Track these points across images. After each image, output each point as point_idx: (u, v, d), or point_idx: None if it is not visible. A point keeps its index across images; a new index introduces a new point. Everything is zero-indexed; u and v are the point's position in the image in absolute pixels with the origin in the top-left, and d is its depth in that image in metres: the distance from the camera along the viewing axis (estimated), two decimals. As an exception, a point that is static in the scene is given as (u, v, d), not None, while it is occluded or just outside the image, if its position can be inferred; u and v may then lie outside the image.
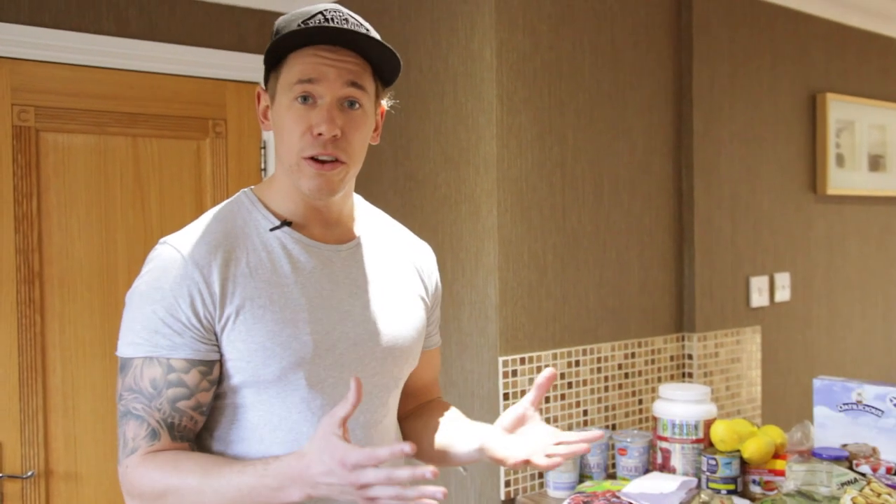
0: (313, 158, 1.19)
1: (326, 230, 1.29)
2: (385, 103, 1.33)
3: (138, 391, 1.15)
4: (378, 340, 1.28)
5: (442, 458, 1.33)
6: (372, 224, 1.38)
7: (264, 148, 2.76)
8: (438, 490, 0.99)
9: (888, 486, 1.82)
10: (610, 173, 2.37)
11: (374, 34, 1.24)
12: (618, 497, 1.91)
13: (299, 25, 1.19)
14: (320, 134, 1.18)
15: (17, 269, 2.32)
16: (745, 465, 2.03)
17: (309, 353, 1.20)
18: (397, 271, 1.36)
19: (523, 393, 2.16)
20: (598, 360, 2.34)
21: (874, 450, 2.02)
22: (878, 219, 3.27)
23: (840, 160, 3.06)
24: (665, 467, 2.09)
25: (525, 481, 2.17)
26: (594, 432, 1.15)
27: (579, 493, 1.99)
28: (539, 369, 2.19)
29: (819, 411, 2.13)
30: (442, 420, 1.37)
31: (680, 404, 2.09)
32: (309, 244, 1.26)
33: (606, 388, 2.36)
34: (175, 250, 1.19)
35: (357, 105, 1.22)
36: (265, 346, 1.17)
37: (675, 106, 2.54)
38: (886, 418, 2.03)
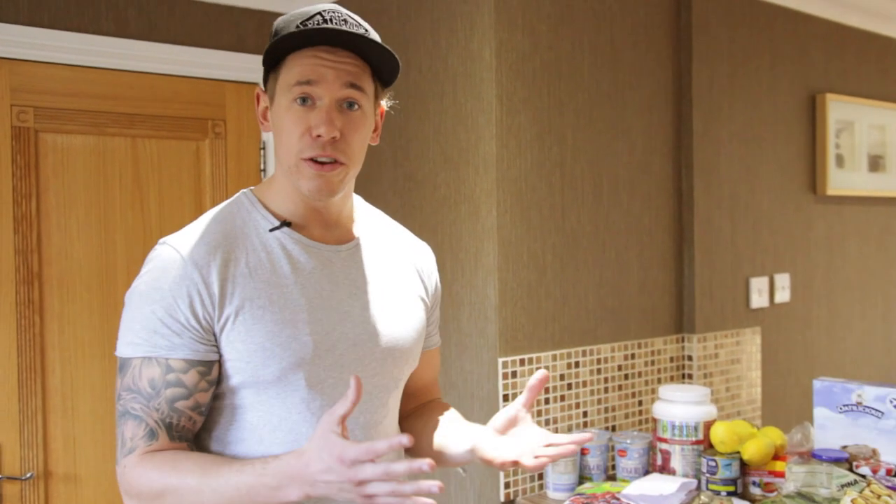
0: (312, 160, 1.19)
1: (326, 231, 1.29)
2: (384, 104, 1.32)
3: (136, 391, 1.15)
4: (378, 341, 1.28)
5: (438, 459, 1.33)
6: (371, 225, 1.38)
7: (263, 149, 2.76)
8: (434, 484, 0.99)
9: (888, 487, 1.82)
10: (609, 173, 2.37)
11: (374, 35, 1.24)
12: (617, 499, 1.91)
13: (298, 27, 1.19)
14: (319, 135, 1.18)
15: (17, 270, 2.32)
16: (744, 466, 2.02)
17: (308, 354, 1.20)
18: (397, 272, 1.36)
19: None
20: (598, 361, 2.34)
21: (874, 451, 2.02)
22: (877, 219, 3.27)
23: (840, 161, 3.05)
24: (665, 469, 2.09)
25: (525, 483, 2.17)
26: (583, 434, 1.15)
27: (579, 494, 1.98)
28: (539, 370, 2.19)
29: (819, 413, 2.13)
30: (440, 420, 1.37)
31: (680, 406, 2.09)
32: (308, 244, 1.25)
33: (606, 390, 2.36)
34: (174, 251, 1.19)
35: (356, 106, 1.21)
36: (265, 347, 1.17)
37: (674, 106, 2.54)
38: (886, 420, 2.03)
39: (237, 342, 1.17)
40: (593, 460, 2.15)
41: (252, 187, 1.31)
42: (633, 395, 2.43)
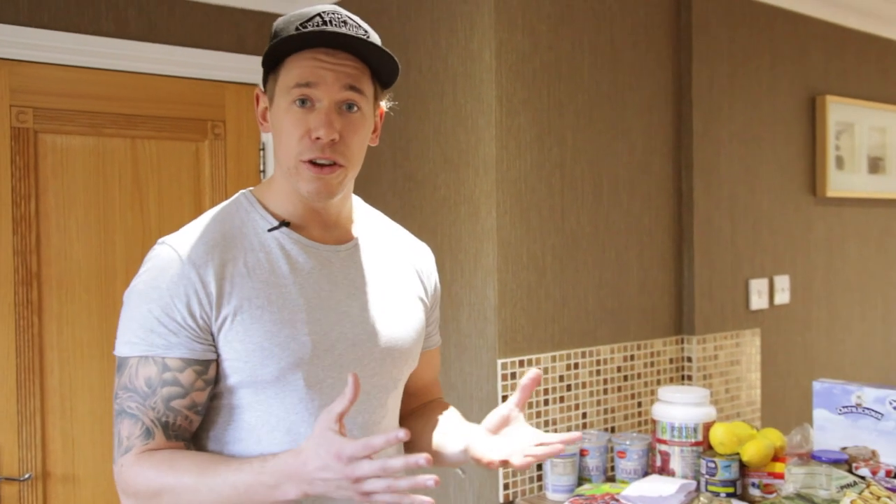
0: (311, 162, 1.19)
1: (325, 231, 1.29)
2: (384, 105, 1.32)
3: (133, 390, 1.15)
4: (377, 341, 1.28)
5: (437, 459, 1.33)
6: (371, 225, 1.38)
7: (263, 149, 2.76)
8: (430, 478, 0.99)
9: (888, 489, 1.81)
10: (609, 174, 2.36)
11: (374, 36, 1.24)
12: (617, 500, 1.91)
13: (297, 28, 1.19)
14: (318, 138, 1.18)
15: (15, 271, 2.31)
16: (744, 467, 2.02)
17: (307, 354, 1.19)
18: (396, 272, 1.36)
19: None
20: (598, 362, 2.34)
21: (874, 453, 2.02)
22: (877, 221, 3.27)
23: (840, 162, 3.05)
24: (664, 470, 2.09)
25: (524, 484, 2.17)
26: (573, 434, 1.15)
27: (578, 495, 1.98)
28: (538, 371, 2.19)
29: (818, 414, 2.13)
30: (439, 419, 1.37)
31: (679, 407, 2.08)
32: (307, 245, 1.25)
33: (605, 391, 2.36)
34: (172, 250, 1.19)
35: (355, 108, 1.21)
36: (263, 347, 1.17)
37: (674, 106, 2.54)
38: (886, 421, 2.02)
39: (235, 342, 1.17)
40: (592, 461, 2.15)
41: (251, 188, 1.31)
42: (633, 396, 2.43)
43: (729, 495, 1.98)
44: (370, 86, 1.24)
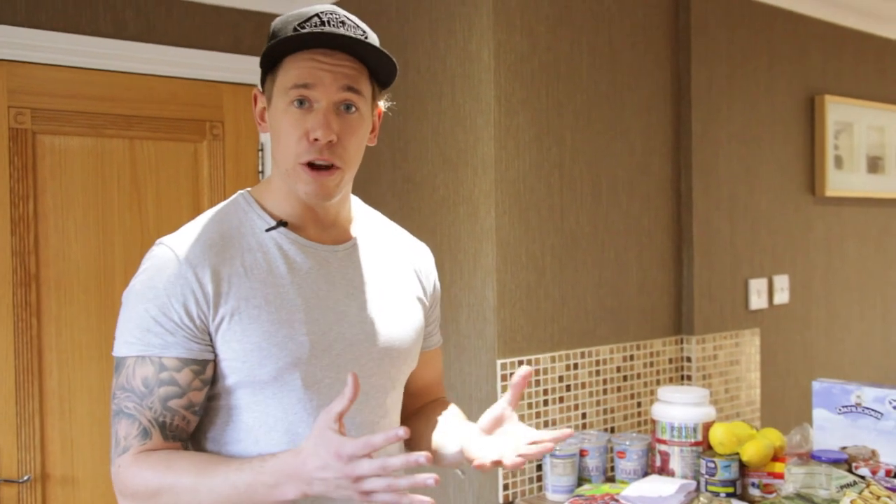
0: (309, 164, 1.19)
1: (323, 231, 1.29)
2: (382, 105, 1.32)
3: (130, 390, 1.15)
4: (375, 341, 1.27)
5: (436, 459, 1.33)
6: (369, 225, 1.38)
7: (262, 150, 2.75)
8: (430, 476, 0.99)
9: (887, 488, 1.81)
10: (608, 174, 2.36)
11: (372, 36, 1.24)
12: (616, 500, 1.91)
13: (295, 29, 1.18)
14: (316, 139, 1.18)
15: (14, 272, 2.31)
16: (743, 467, 2.02)
17: (305, 354, 1.19)
18: (394, 272, 1.36)
19: (521, 395, 2.15)
20: (597, 362, 2.33)
21: (873, 452, 2.01)
22: (876, 220, 3.27)
23: (838, 162, 3.05)
24: (664, 470, 2.08)
25: (523, 484, 2.17)
26: (565, 431, 1.14)
27: (578, 496, 1.98)
28: (538, 372, 2.19)
29: (818, 414, 2.13)
30: (439, 420, 1.36)
31: (679, 407, 2.08)
32: (305, 245, 1.25)
33: (605, 391, 2.35)
34: (170, 250, 1.19)
35: (353, 109, 1.21)
36: (261, 347, 1.17)
37: (673, 107, 2.53)
38: (886, 421, 2.02)
39: (233, 342, 1.17)
40: (592, 462, 2.15)
41: (249, 188, 1.31)
42: (632, 396, 2.42)
43: (729, 495, 1.98)
44: (368, 86, 1.24)
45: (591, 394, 2.32)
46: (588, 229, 2.32)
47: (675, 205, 2.54)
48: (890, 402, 2.02)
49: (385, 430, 1.30)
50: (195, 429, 1.22)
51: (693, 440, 2.06)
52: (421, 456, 0.99)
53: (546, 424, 2.21)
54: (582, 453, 2.15)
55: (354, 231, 1.34)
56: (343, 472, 1.01)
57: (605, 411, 2.36)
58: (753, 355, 2.71)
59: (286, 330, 1.18)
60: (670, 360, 2.52)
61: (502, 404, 1.21)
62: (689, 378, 2.53)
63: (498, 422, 1.21)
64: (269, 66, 1.23)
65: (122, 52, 2.47)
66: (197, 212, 2.59)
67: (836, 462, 1.93)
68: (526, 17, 2.17)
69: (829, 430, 2.10)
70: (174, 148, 2.59)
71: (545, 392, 2.21)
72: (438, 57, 2.28)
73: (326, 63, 1.19)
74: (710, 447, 2.06)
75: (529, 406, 2.18)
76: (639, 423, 2.44)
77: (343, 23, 1.20)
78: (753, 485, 2.01)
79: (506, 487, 2.13)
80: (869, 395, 2.05)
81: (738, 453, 2.01)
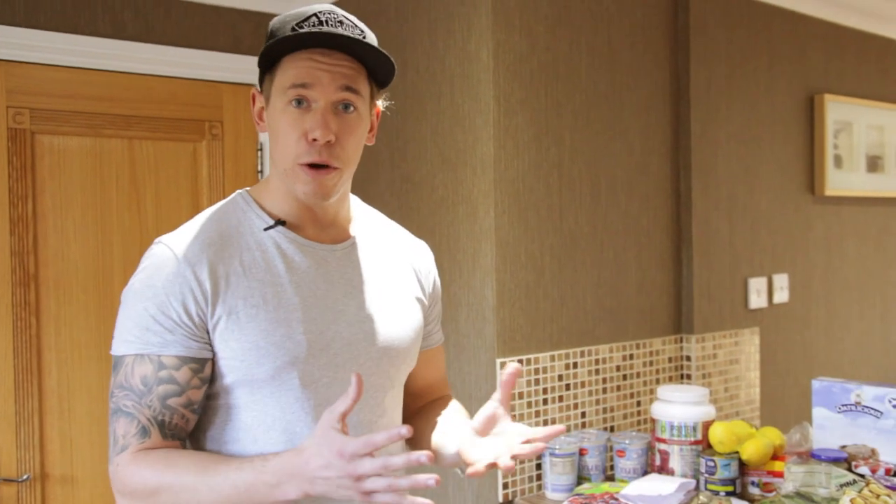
0: (308, 164, 1.19)
1: (321, 231, 1.29)
2: (380, 104, 1.32)
3: (129, 388, 1.15)
4: (373, 340, 1.27)
5: (437, 459, 1.33)
6: (368, 224, 1.38)
7: (261, 150, 2.75)
8: (431, 477, 0.98)
9: (887, 487, 1.81)
10: (607, 174, 2.36)
11: (370, 36, 1.24)
12: (616, 499, 1.91)
13: (293, 29, 1.18)
14: (315, 139, 1.18)
15: (13, 272, 2.31)
16: (743, 466, 2.02)
17: (302, 353, 1.19)
18: (393, 271, 1.36)
19: (521, 395, 2.15)
20: (596, 361, 2.33)
21: (873, 451, 2.01)
22: (876, 220, 3.27)
23: (838, 161, 3.05)
24: (663, 469, 2.08)
25: (523, 483, 2.17)
26: (557, 427, 1.14)
27: (577, 494, 1.98)
28: (537, 371, 2.19)
29: (818, 412, 2.13)
30: (439, 420, 1.36)
31: (678, 406, 2.08)
32: (304, 244, 1.25)
33: (604, 390, 2.35)
34: (168, 249, 1.19)
35: (351, 108, 1.21)
36: (259, 346, 1.17)
37: (672, 107, 2.53)
38: (885, 419, 2.02)
39: (231, 340, 1.17)
40: (592, 461, 2.14)
41: (248, 188, 1.32)
42: (632, 395, 2.42)
43: (728, 494, 1.98)
44: (366, 86, 1.24)
45: (590, 393, 2.32)
46: (587, 229, 2.32)
47: (674, 204, 2.54)
48: (889, 401, 2.02)
49: (383, 429, 1.30)
50: (194, 428, 1.22)
51: (693, 439, 2.06)
52: (423, 455, 0.99)
53: (546, 423, 2.21)
54: (581, 452, 2.15)
55: (353, 230, 1.34)
56: (345, 470, 1.01)
57: (604, 410, 2.36)
58: (753, 354, 2.71)
59: (284, 329, 1.18)
60: (670, 359, 2.52)
61: (494, 403, 1.20)
62: (688, 377, 2.53)
63: (491, 421, 1.20)
64: (268, 66, 1.23)
65: (121, 53, 2.47)
66: (196, 212, 2.58)
67: (835, 461, 1.93)
68: (525, 17, 2.17)
69: (828, 428, 2.10)
70: (173, 148, 2.59)
71: (545, 391, 2.21)
72: (437, 57, 2.28)
73: (324, 63, 1.19)
74: (709, 446, 2.06)
75: (529, 405, 2.18)
76: (638, 422, 2.44)
77: (341, 22, 1.20)
78: (753, 483, 2.01)
79: (505, 486, 2.13)
80: (868, 393, 2.05)
81: (737, 452, 2.01)
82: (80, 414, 2.41)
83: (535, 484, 2.19)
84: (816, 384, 2.14)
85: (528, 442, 1.13)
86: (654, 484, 1.95)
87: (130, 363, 1.15)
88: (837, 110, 3.02)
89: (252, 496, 1.08)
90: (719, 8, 2.61)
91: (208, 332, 1.17)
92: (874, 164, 3.24)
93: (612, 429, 2.37)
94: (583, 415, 2.30)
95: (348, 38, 1.17)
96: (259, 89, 1.27)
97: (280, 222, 1.24)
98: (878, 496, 1.75)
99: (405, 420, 1.41)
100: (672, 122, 2.53)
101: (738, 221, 2.66)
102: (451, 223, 2.24)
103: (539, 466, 2.19)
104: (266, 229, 1.24)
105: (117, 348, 1.17)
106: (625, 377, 2.40)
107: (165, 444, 1.16)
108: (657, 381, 2.48)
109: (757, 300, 2.71)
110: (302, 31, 1.17)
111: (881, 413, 2.03)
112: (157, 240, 1.22)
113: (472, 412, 2.16)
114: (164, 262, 1.17)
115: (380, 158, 2.49)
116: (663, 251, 2.51)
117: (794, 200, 2.89)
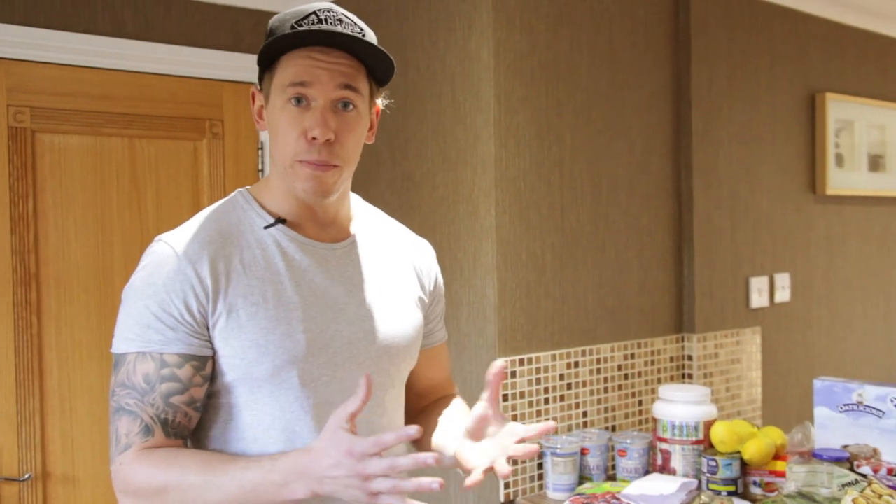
0: (307, 161, 1.19)
1: (322, 229, 1.29)
2: (380, 102, 1.32)
3: (131, 386, 1.14)
4: (373, 339, 1.27)
5: (439, 460, 1.33)
6: (369, 223, 1.38)
7: (262, 149, 2.75)
8: (435, 481, 0.99)
9: (889, 487, 1.81)
10: (608, 173, 2.36)
11: (369, 34, 1.24)
12: (618, 499, 1.90)
13: (293, 27, 1.18)
14: (314, 138, 1.17)
15: (14, 271, 2.31)
16: (745, 466, 2.02)
17: (302, 352, 1.19)
18: (394, 270, 1.35)
19: (522, 394, 2.15)
20: (598, 361, 2.33)
21: (875, 451, 2.01)
22: (878, 219, 3.26)
23: (839, 160, 3.05)
24: (665, 469, 2.08)
25: (524, 483, 2.16)
26: (548, 424, 1.13)
27: (579, 494, 1.98)
28: (539, 370, 2.18)
29: (819, 412, 2.12)
30: (440, 420, 1.36)
31: (680, 405, 2.08)
32: (304, 242, 1.25)
33: (606, 390, 2.35)
34: (169, 247, 1.19)
35: (351, 106, 1.21)
36: (258, 344, 1.17)
37: (673, 106, 2.53)
38: (887, 419, 2.02)
39: (231, 338, 1.16)
40: (593, 460, 2.14)
41: (248, 186, 1.31)
42: (633, 394, 2.42)
43: (730, 494, 1.97)
44: (366, 84, 1.24)
45: (591, 392, 2.31)
46: (588, 228, 2.31)
47: (675, 204, 2.54)
48: (891, 401, 2.01)
49: (384, 429, 1.30)
50: (196, 427, 1.22)
51: (694, 438, 2.06)
52: (429, 457, 0.99)
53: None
54: (583, 452, 2.14)
55: (354, 229, 1.33)
56: (354, 470, 1.01)
57: (606, 410, 2.35)
58: (755, 354, 2.71)
59: (283, 327, 1.18)
60: (671, 359, 2.52)
61: (483, 404, 1.19)
62: (690, 376, 2.53)
63: (483, 422, 1.19)
64: (267, 64, 1.23)
65: (121, 51, 2.47)
66: (196, 210, 2.58)
67: (837, 460, 1.93)
68: (526, 16, 2.17)
69: (830, 428, 2.10)
70: (174, 146, 2.59)
71: (546, 391, 2.21)
72: (438, 55, 2.27)
73: (324, 61, 1.18)
74: (711, 446, 2.06)
75: (530, 405, 2.17)
76: (640, 422, 2.43)
77: (340, 20, 1.20)
78: (755, 483, 2.01)
79: (507, 486, 2.12)
80: (870, 393, 2.04)
81: (739, 452, 2.00)
82: (81, 413, 2.41)
83: (536, 483, 2.18)
84: (818, 384, 2.13)
85: (521, 441, 1.13)
86: (656, 484, 1.95)
87: (132, 361, 1.15)
88: (839, 109, 3.01)
89: (259, 496, 1.08)
90: (720, 7, 2.60)
91: (209, 330, 1.17)
92: (876, 162, 3.23)
93: (613, 428, 2.37)
94: (584, 414, 2.30)
95: (347, 36, 1.17)
96: (259, 87, 1.27)
97: (280, 220, 1.24)
98: (880, 496, 1.75)
99: (408, 419, 1.41)
100: (673, 121, 2.53)
101: (739, 221, 2.66)
102: (452, 222, 2.24)
103: (541, 466, 2.19)
104: (266, 227, 1.23)
105: (118, 346, 1.17)
106: (626, 376, 2.40)
107: (168, 443, 1.15)
108: (659, 381, 2.47)
109: (758, 299, 2.71)
110: (301, 29, 1.17)
111: (883, 413, 2.02)
112: (157, 238, 1.22)
113: (472, 411, 2.16)
114: (165, 259, 1.17)
115: (381, 157, 2.49)
116: (665, 250, 2.51)
117: (795, 199, 2.89)
